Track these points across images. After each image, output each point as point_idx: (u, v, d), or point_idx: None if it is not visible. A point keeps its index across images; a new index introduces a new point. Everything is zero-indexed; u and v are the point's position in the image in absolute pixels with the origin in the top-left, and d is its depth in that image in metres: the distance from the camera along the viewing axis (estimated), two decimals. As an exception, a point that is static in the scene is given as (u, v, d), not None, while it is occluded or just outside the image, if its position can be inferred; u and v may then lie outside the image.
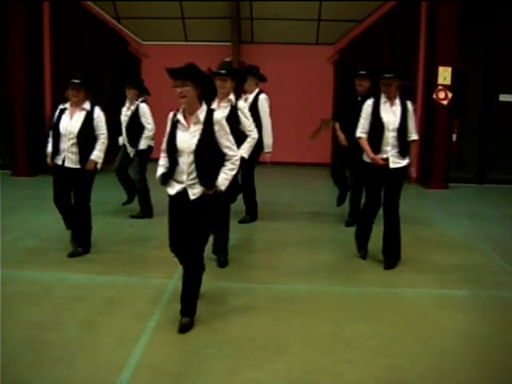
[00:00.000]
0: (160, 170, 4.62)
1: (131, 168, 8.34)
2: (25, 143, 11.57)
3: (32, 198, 9.36)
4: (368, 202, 6.29)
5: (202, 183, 4.45)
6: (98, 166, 6.31)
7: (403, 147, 6.04)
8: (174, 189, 4.53)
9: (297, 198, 10.03)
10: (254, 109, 7.42)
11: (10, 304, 4.88)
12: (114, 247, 6.77)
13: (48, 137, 6.38)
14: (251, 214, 8.03)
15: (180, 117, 4.52)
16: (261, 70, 8.15)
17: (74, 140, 6.13)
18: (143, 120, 8.10)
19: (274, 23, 13.44)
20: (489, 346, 4.33)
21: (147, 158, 8.24)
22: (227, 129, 4.52)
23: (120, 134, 8.32)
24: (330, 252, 6.68)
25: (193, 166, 4.42)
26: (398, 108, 6.05)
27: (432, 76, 11.25)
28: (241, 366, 3.91)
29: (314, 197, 9.55)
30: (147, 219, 8.13)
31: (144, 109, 8.16)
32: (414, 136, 6.16)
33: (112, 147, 7.82)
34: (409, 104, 6.15)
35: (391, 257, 6.18)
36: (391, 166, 6.01)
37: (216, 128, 4.44)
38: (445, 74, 11.10)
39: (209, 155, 4.44)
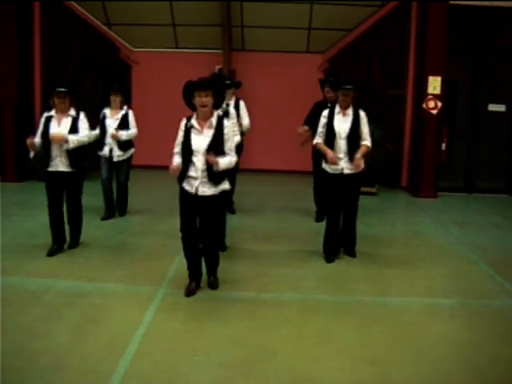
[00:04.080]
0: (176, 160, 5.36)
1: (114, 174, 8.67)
2: (14, 148, 11.52)
3: (20, 204, 9.32)
4: (329, 208, 6.82)
5: (210, 179, 5.24)
6: (66, 141, 6.42)
7: (354, 154, 6.46)
8: (192, 187, 5.28)
9: (286, 206, 10.04)
10: (236, 112, 8.04)
11: (-3, 311, 4.86)
12: (102, 254, 6.74)
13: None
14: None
15: (194, 123, 5.25)
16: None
17: (64, 146, 6.42)
18: (131, 125, 8.50)
19: (265, 31, 13.46)
20: (477, 355, 4.34)
21: (132, 160, 8.77)
22: (233, 134, 5.51)
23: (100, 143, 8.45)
24: (319, 260, 6.68)
25: (205, 165, 5.20)
26: (349, 118, 6.49)
27: (422, 85, 11.31)
28: (229, 374, 3.91)
29: (303, 205, 9.53)
30: (137, 227, 8.13)
31: (132, 115, 8.57)
32: (366, 142, 6.53)
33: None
34: (361, 113, 6.54)
35: (347, 249, 6.89)
36: (345, 172, 6.51)
37: (225, 131, 5.27)
38: (434, 84, 11.17)
39: (218, 155, 5.18)
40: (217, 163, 5.15)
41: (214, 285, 5.59)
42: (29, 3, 11.84)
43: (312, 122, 8.03)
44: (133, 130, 8.50)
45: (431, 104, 11.26)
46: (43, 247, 6.70)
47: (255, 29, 13.52)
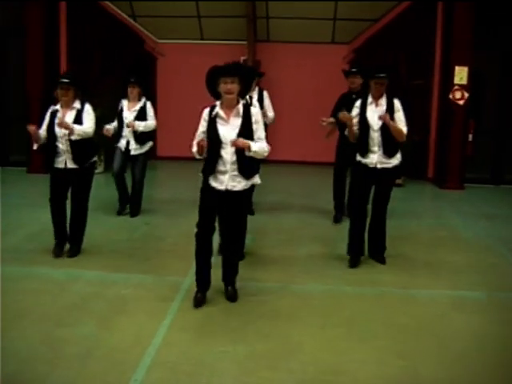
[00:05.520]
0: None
1: (130, 168, 8.29)
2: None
3: (47, 195, 9.37)
4: (355, 202, 6.38)
5: (241, 172, 4.86)
6: (71, 131, 5.96)
7: (390, 147, 6.02)
8: (221, 183, 4.88)
9: (311, 196, 10.03)
10: (260, 104, 7.69)
11: (25, 300, 4.92)
12: (129, 245, 6.79)
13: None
14: None
15: (220, 111, 4.85)
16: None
17: (69, 141, 6.04)
18: (150, 117, 8.12)
19: (290, 22, 13.42)
20: (505, 349, 4.30)
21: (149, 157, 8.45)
22: (262, 122, 4.99)
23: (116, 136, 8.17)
24: (345, 252, 6.64)
25: (234, 157, 4.82)
26: (382, 108, 5.98)
27: (448, 76, 11.19)
28: (255, 366, 3.91)
29: (328, 196, 9.47)
30: (162, 218, 8.15)
31: (151, 107, 8.22)
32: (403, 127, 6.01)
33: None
34: (396, 101, 6.05)
35: (375, 253, 6.35)
36: (378, 166, 6.04)
37: (253, 120, 4.87)
38: (461, 74, 11.04)
39: None
40: (248, 146, 4.73)
41: (233, 296, 5.08)
42: (55, 3, 11.94)
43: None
44: (151, 122, 8.13)
45: (458, 95, 11.14)
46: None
47: (280, 20, 13.49)
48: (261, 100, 7.96)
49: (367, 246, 6.41)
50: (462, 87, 11.11)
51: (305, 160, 14.19)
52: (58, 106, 6.12)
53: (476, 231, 7.87)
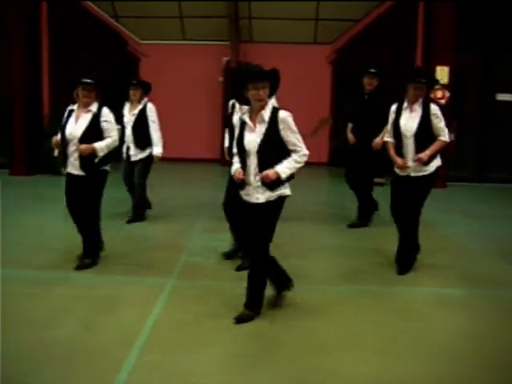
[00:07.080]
0: (235, 166, 4.61)
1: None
2: (23, 142, 11.61)
3: (30, 197, 9.35)
4: (393, 213, 6.10)
5: (263, 184, 4.43)
6: (98, 155, 5.66)
7: None
8: (249, 195, 4.54)
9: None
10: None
11: (10, 303, 4.88)
12: (112, 247, 6.74)
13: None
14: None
15: (246, 118, 4.51)
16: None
17: (77, 145, 5.62)
18: (151, 120, 7.84)
19: (273, 22, 13.46)
20: (486, 346, 4.32)
21: (152, 162, 8.01)
22: (294, 127, 4.45)
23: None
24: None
25: (257, 169, 4.44)
26: (417, 114, 5.73)
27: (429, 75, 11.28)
28: (243, 365, 3.92)
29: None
30: (147, 220, 8.14)
31: (153, 108, 7.90)
32: (440, 137, 5.75)
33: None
34: (432, 106, 5.75)
35: (403, 263, 6.00)
36: (412, 174, 5.82)
37: (281, 126, 4.39)
38: (442, 74, 11.13)
39: (273, 156, 4.42)
40: (274, 178, 4.35)
41: (242, 319, 4.62)
42: (36, 3, 11.89)
43: (353, 116, 7.87)
44: (156, 129, 7.82)
45: (439, 94, 11.23)
46: (54, 240, 6.74)
47: (263, 20, 13.54)
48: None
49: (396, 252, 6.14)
50: (443, 86, 11.20)
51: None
52: (74, 106, 5.76)
53: (458, 229, 7.96)
